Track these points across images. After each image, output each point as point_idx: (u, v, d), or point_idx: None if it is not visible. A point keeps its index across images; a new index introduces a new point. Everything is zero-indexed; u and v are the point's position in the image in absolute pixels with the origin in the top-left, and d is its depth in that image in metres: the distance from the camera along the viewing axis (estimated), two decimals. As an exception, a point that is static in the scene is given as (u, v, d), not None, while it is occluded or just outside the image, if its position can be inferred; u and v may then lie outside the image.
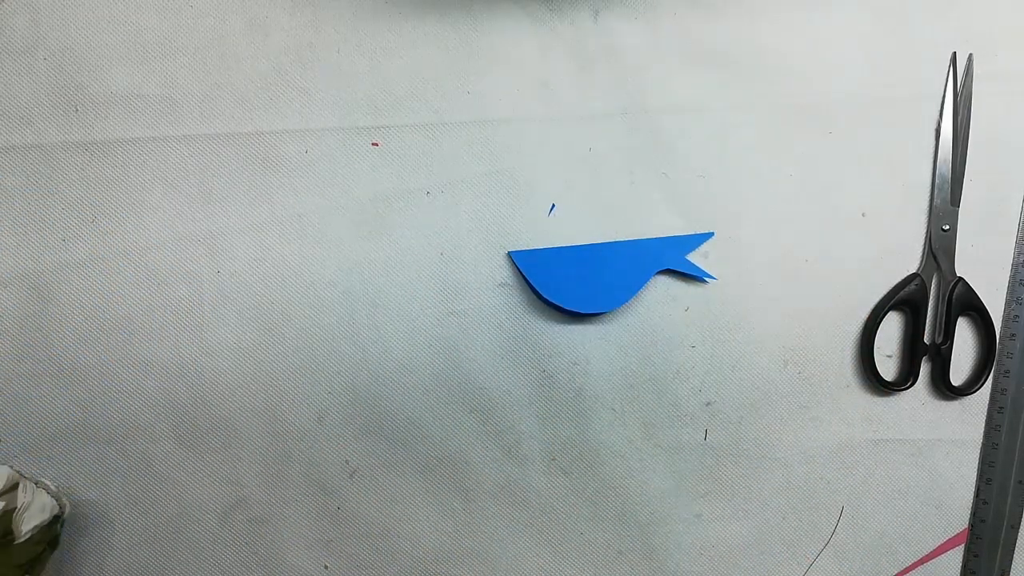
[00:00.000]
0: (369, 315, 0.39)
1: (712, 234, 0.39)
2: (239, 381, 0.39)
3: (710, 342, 0.39)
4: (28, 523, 0.34)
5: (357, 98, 0.38)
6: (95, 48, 0.37)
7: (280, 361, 0.39)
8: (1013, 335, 0.39)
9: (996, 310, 0.40)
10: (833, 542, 0.41)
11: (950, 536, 0.41)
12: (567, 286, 0.38)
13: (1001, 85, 0.39)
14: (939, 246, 0.39)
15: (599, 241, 0.38)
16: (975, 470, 0.40)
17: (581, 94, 0.38)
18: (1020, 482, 0.40)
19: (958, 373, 0.40)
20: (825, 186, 0.39)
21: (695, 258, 0.39)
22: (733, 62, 0.38)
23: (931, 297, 0.40)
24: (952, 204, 0.39)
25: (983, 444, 0.40)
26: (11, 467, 0.36)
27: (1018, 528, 0.40)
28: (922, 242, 0.39)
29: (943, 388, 0.39)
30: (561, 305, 0.38)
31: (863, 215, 0.39)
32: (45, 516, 0.35)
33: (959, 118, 0.38)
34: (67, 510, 0.37)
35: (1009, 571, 0.40)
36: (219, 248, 0.38)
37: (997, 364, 0.40)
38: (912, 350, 0.39)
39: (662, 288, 0.39)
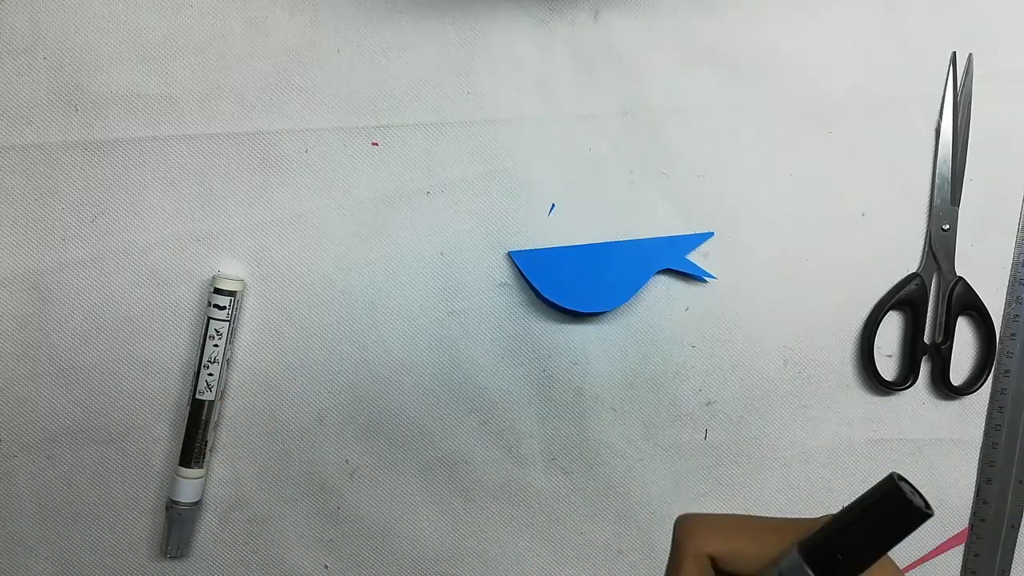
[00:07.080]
0: (369, 315, 0.39)
1: (712, 234, 0.39)
2: (239, 381, 0.39)
3: (710, 342, 0.39)
4: None
5: (357, 98, 0.38)
6: (95, 48, 0.37)
7: (280, 361, 0.39)
8: (1013, 335, 0.39)
9: (996, 310, 0.40)
10: (833, 542, 0.41)
11: (950, 536, 0.41)
12: (567, 286, 0.38)
13: (1001, 85, 0.39)
14: (939, 246, 0.39)
15: (599, 241, 0.38)
16: (975, 470, 0.40)
17: (581, 94, 0.38)
18: (1020, 482, 0.40)
19: (958, 373, 0.40)
20: (825, 186, 0.39)
21: (695, 258, 0.39)
22: (733, 62, 0.38)
23: (931, 297, 0.39)
24: (952, 204, 0.39)
25: (983, 444, 0.40)
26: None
27: (1018, 528, 0.40)
28: (922, 242, 0.39)
29: (943, 388, 0.39)
30: (561, 305, 0.38)
31: (863, 215, 0.39)
32: None
33: (959, 118, 0.38)
34: None
35: (1009, 571, 0.40)
36: (219, 248, 0.38)
37: (997, 364, 0.40)
38: (912, 350, 0.39)
39: (662, 288, 0.39)
